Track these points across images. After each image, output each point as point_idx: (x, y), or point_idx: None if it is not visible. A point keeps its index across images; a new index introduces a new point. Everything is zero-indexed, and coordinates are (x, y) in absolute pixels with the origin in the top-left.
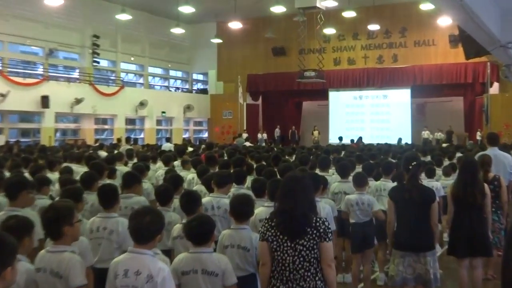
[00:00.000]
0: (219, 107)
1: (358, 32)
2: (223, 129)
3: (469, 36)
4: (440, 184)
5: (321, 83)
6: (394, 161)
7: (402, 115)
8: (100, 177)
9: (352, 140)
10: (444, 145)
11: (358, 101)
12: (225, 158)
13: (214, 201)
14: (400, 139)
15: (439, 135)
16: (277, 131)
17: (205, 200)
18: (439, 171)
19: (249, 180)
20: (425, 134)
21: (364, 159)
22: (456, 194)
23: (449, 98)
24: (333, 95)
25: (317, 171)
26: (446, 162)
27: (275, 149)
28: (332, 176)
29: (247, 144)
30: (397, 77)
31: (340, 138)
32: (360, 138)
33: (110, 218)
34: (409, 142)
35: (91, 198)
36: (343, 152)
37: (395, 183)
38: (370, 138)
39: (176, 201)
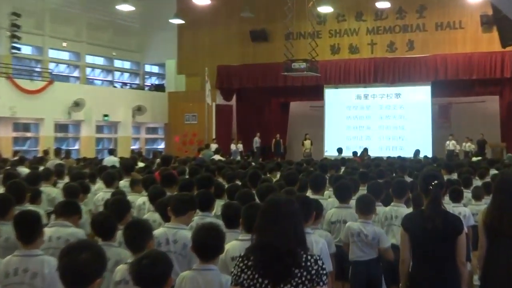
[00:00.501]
0: (180, 109)
1: (362, 11)
2: (185, 138)
3: (506, 17)
4: (469, 210)
5: (315, 78)
6: (409, 180)
7: (420, 120)
8: (19, 202)
9: (354, 153)
10: (474, 159)
11: (362, 101)
12: (187, 176)
13: (170, 233)
14: (417, 152)
15: (468, 146)
16: (256, 141)
17: (158, 232)
18: (468, 193)
19: (218, 205)
20: (450, 144)
21: (370, 178)
22: (490, 223)
23: (481, 98)
24: (330, 93)
25: (309, 193)
26: (477, 182)
27: (254, 164)
28: (328, 200)
29: (217, 157)
30: (413, 70)
31: (339, 150)
32: (366, 150)
33: (31, 257)
34: (429, 155)
35: (5, 229)
36: (342, 169)
37: (410, 209)
38: (379, 150)
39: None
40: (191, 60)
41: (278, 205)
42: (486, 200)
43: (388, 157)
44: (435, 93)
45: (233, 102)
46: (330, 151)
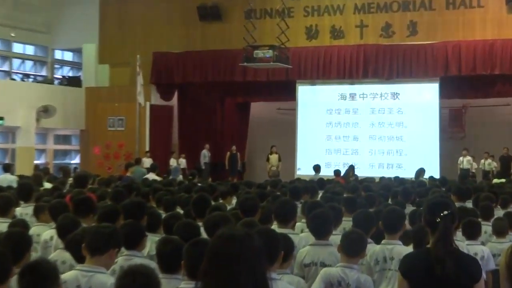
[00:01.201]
0: (101, 111)
1: None
2: (109, 151)
3: None
4: (488, 250)
5: (284, 71)
6: (410, 208)
7: (424, 129)
8: None
9: (337, 172)
10: (496, 181)
11: (348, 102)
12: (110, 202)
13: (84, 279)
14: (421, 171)
15: (488, 164)
16: (205, 155)
17: (68, 276)
18: (487, 227)
19: (151, 242)
20: (464, 162)
21: (357, 206)
22: None
23: (505, 100)
24: (304, 92)
25: (275, 226)
26: (500, 212)
27: (201, 186)
28: (300, 234)
29: (151, 177)
30: (416, 62)
31: (317, 168)
32: (352, 168)
33: None
34: (437, 175)
35: None
36: (320, 193)
37: (409, 248)
38: (369, 169)
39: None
40: (118, 45)
41: (232, 242)
42: (511, 237)
43: (382, 178)
44: (444, 93)
45: (174, 102)
46: (304, 169)
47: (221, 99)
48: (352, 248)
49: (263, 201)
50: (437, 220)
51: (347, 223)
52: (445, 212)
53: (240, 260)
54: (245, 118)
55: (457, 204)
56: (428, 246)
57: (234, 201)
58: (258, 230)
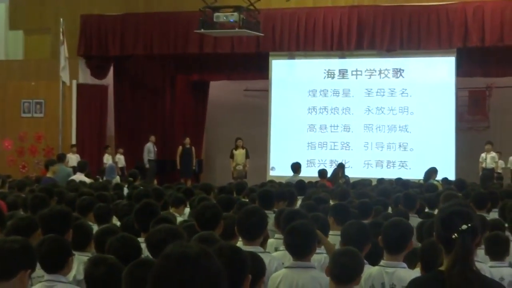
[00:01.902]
0: (13, 92)
1: None
2: (23, 144)
3: None
4: None
5: (254, 41)
6: (415, 220)
7: (436, 116)
8: None
9: (322, 172)
10: None
11: (337, 81)
12: (23, 212)
13: None
14: (431, 171)
15: None
16: (149, 150)
17: None
18: None
19: (79, 262)
20: (488, 158)
21: (348, 215)
22: None
23: None
24: (280, 68)
25: (240, 243)
26: None
27: (144, 190)
28: (274, 254)
29: (79, 178)
30: (426, 29)
31: (296, 167)
32: (341, 167)
33: None
34: (452, 177)
35: None
36: (300, 200)
37: (416, 272)
38: (364, 168)
39: None
40: (35, 4)
41: (182, 263)
42: None
43: (380, 180)
44: (463, 70)
45: (109, 80)
46: (279, 169)
47: (171, 78)
48: (345, 272)
49: (226, 211)
50: (454, 236)
51: (334, 237)
52: (464, 226)
53: (193, 286)
54: (202, 102)
55: (479, 214)
56: (441, 269)
57: (187, 210)
58: (219, 247)
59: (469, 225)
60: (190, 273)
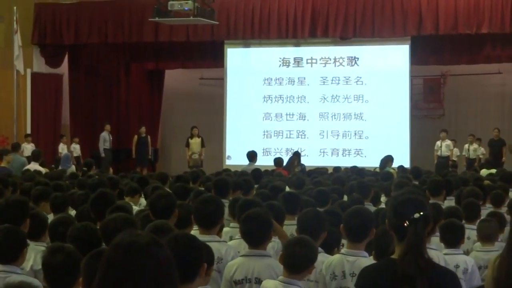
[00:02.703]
0: None
1: None
2: None
3: None
4: (473, 260)
5: (208, 29)
6: (370, 208)
7: (391, 104)
8: None
9: (278, 160)
10: (484, 172)
11: (292, 70)
12: None
13: None
14: (387, 159)
15: (474, 149)
16: (105, 139)
17: None
18: (471, 231)
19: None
20: (443, 146)
21: (304, 204)
22: (506, 281)
23: (496, 67)
24: (235, 56)
25: (195, 231)
26: (485, 211)
27: (99, 179)
28: (229, 243)
29: (34, 168)
30: (380, 16)
31: (251, 156)
32: (297, 155)
33: None
34: (407, 164)
35: None
36: (255, 188)
37: (370, 258)
38: (320, 157)
39: None
40: None
41: (132, 251)
42: (502, 244)
43: (336, 169)
44: (417, 58)
45: (64, 69)
46: (235, 158)
47: (126, 66)
48: (297, 262)
49: (181, 199)
50: (406, 224)
51: (290, 227)
52: (416, 214)
53: (142, 275)
54: (158, 91)
55: (432, 201)
56: (393, 257)
57: (143, 200)
58: (174, 236)
59: (421, 213)
60: (139, 262)
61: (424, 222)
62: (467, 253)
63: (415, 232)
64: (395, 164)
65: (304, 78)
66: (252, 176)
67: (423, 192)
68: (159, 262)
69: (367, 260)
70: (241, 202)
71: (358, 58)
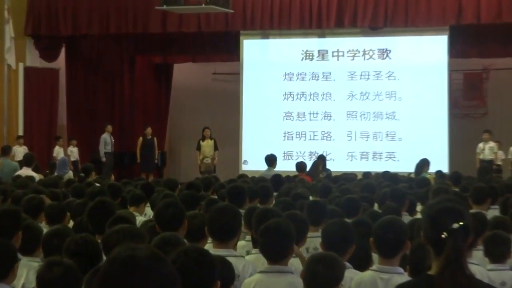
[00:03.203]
0: None
1: None
2: None
3: None
4: None
5: (222, 18)
6: (406, 218)
7: (428, 102)
8: None
9: (300, 165)
10: None
11: (316, 63)
12: None
13: None
14: (423, 163)
15: None
16: (106, 141)
17: None
18: None
19: (27, 270)
20: (486, 149)
21: (329, 214)
22: None
23: None
24: (252, 48)
25: (209, 245)
26: None
27: (99, 186)
28: (246, 257)
29: (26, 173)
30: (415, 4)
31: (270, 160)
32: (322, 159)
33: None
34: (446, 169)
35: None
36: (274, 197)
37: (405, 275)
38: (348, 160)
39: None
40: None
41: (131, 266)
42: None
43: (366, 174)
44: (456, 50)
45: (61, 63)
46: (252, 163)
47: (130, 60)
48: (318, 282)
49: (192, 209)
50: (444, 236)
51: (314, 239)
52: (455, 225)
53: None
54: (166, 87)
55: (476, 211)
56: (430, 273)
57: (148, 210)
58: (184, 250)
59: (461, 223)
60: (139, 278)
61: (464, 233)
62: None
63: (454, 245)
64: (432, 169)
65: (330, 73)
66: (271, 183)
67: (464, 200)
68: (161, 278)
69: (403, 278)
70: (258, 212)
71: (390, 51)
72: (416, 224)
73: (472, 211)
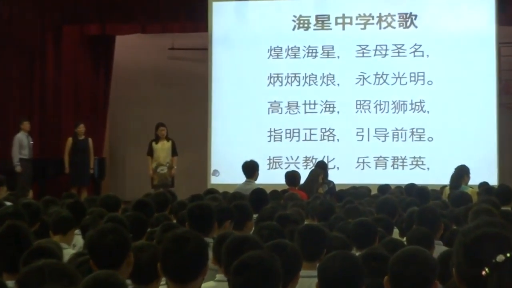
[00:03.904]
0: None
1: None
2: None
3: None
4: None
5: None
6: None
7: (469, 88)
8: None
9: (292, 176)
10: None
11: (313, 34)
12: None
13: None
14: (461, 172)
15: None
16: (21, 143)
17: None
18: None
19: None
20: None
21: (332, 243)
22: None
23: None
24: (225, 13)
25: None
26: None
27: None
28: None
29: None
30: None
31: (249, 168)
32: (322, 166)
33: None
34: (494, 180)
35: None
36: (254, 221)
37: None
38: (358, 168)
39: None
40: None
41: None
42: None
43: (383, 188)
44: (508, 16)
45: None
46: (225, 173)
47: (54, 31)
48: None
49: (140, 238)
50: (485, 273)
51: (307, 280)
52: (501, 257)
53: None
54: (105, 69)
55: None
56: None
57: (79, 238)
58: None
59: (508, 255)
60: None
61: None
62: None
63: (499, 284)
64: (475, 180)
65: (332, 47)
66: (250, 201)
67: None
68: None
69: None
70: (232, 241)
71: (416, 16)
72: (450, 258)
73: None
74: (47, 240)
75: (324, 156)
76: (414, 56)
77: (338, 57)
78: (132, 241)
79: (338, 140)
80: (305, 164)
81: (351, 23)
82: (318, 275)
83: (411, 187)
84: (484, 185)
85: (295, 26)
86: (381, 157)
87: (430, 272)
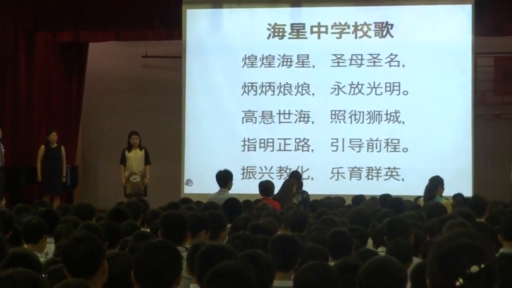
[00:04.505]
0: None
1: None
2: None
3: None
4: None
5: None
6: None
7: (444, 97)
8: None
9: (265, 186)
10: None
11: (288, 42)
12: None
13: None
14: (436, 183)
15: None
16: None
17: None
18: None
19: None
20: None
21: (306, 254)
22: None
23: None
24: (199, 20)
25: None
26: None
27: None
28: None
29: None
30: None
31: (223, 177)
32: (296, 176)
33: None
34: (468, 191)
35: None
36: (227, 230)
37: None
38: (333, 179)
39: None
40: None
41: None
42: None
43: (357, 198)
44: (484, 25)
45: None
46: (198, 182)
47: (27, 37)
48: None
49: (113, 247)
50: (459, 283)
51: None
52: (475, 268)
53: None
54: (78, 77)
55: (507, 250)
56: None
57: (51, 247)
58: None
59: (482, 266)
60: None
61: (487, 279)
62: None
63: None
64: (450, 191)
65: (307, 57)
66: (224, 210)
67: (490, 234)
68: None
69: None
70: (203, 251)
71: (392, 25)
72: (425, 269)
73: (501, 250)
74: (21, 249)
75: (299, 166)
76: (390, 66)
77: (313, 66)
78: (107, 249)
79: (312, 150)
80: (279, 174)
81: (326, 32)
82: (293, 286)
83: (385, 197)
84: (458, 197)
85: (270, 35)
86: (355, 167)
87: (399, 281)
